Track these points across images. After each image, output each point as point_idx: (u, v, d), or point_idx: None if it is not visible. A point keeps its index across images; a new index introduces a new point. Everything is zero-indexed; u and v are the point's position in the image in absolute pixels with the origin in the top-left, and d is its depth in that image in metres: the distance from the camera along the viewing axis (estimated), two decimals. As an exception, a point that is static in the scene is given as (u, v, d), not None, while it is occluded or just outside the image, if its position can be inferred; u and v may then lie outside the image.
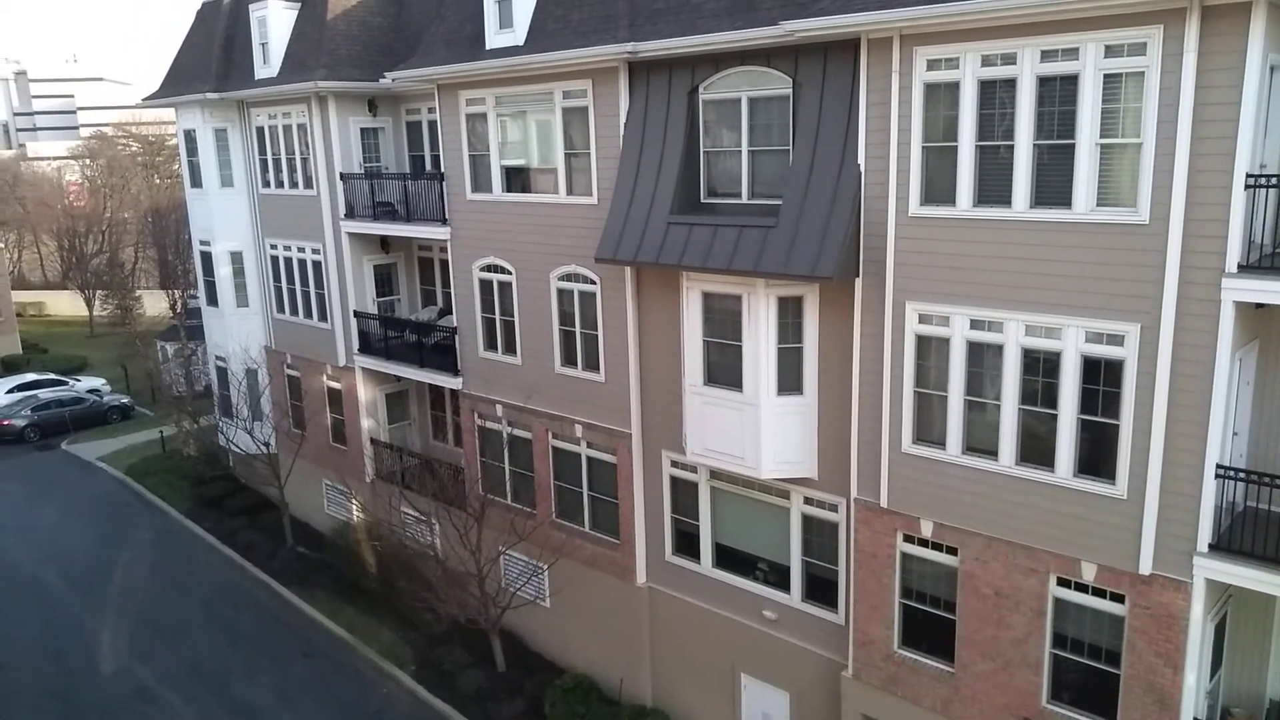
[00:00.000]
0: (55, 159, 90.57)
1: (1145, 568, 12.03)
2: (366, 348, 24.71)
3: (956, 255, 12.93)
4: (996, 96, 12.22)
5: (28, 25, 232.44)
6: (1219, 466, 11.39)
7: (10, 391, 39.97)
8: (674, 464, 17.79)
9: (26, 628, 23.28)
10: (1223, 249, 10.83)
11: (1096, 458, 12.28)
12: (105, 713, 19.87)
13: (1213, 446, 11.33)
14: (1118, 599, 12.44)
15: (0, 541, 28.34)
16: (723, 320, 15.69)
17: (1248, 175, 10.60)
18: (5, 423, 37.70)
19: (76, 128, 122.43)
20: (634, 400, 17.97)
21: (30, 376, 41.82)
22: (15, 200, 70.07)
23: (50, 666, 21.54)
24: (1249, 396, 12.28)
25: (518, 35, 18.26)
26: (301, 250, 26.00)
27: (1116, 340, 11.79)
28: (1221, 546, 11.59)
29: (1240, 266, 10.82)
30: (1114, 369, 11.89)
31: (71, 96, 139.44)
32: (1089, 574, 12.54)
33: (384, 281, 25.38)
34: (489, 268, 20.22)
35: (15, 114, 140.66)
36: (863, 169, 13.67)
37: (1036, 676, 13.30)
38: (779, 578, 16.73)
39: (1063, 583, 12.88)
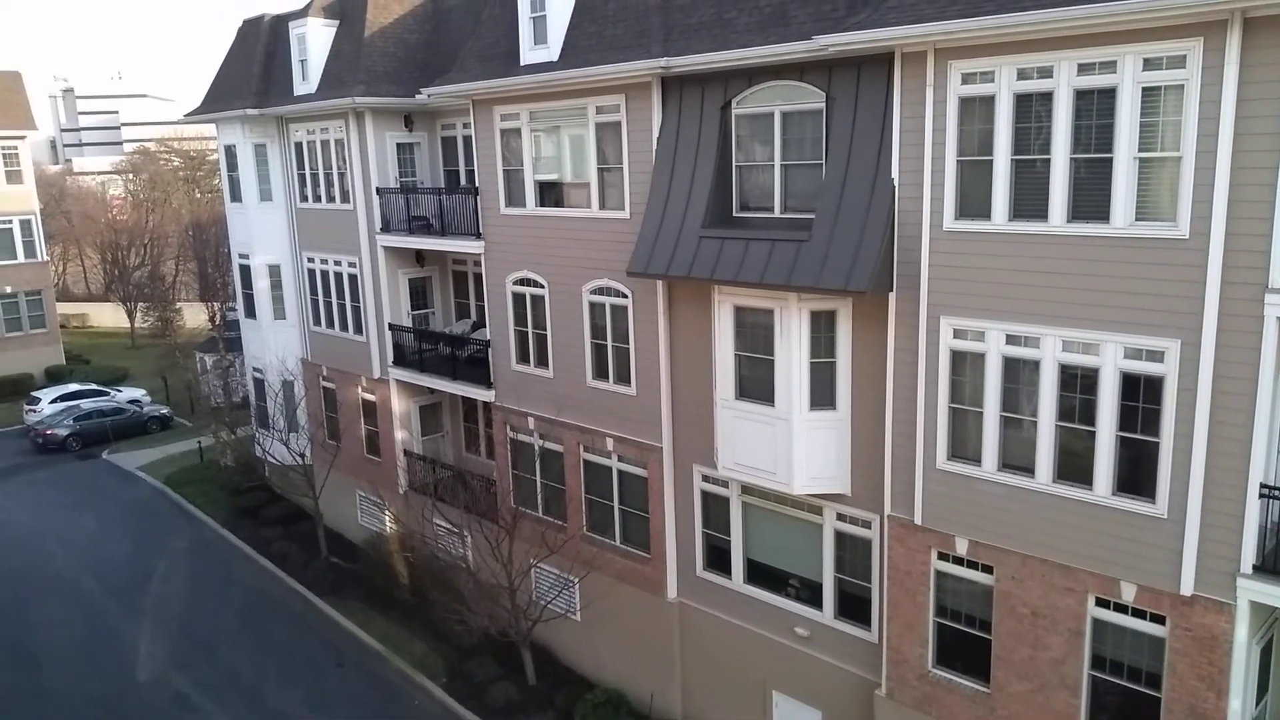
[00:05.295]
0: (100, 174, 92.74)
1: (1186, 588, 11.79)
2: (401, 360, 24.94)
3: (992, 270, 12.81)
4: (1033, 110, 12.11)
5: (75, 44, 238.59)
6: (1263, 486, 11.15)
7: (54, 401, 40.77)
8: (705, 478, 17.74)
9: (66, 632, 23.64)
10: (1265, 264, 10.64)
11: (1136, 476, 12.07)
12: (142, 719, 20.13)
13: (1256, 465, 11.09)
14: (1158, 620, 12.20)
15: (42, 548, 28.85)
16: (754, 334, 15.65)
17: (1292, 189, 10.43)
18: (48, 432, 38.41)
19: (120, 143, 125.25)
20: (665, 414, 17.96)
21: (73, 387, 42.56)
22: (61, 214, 71.63)
23: (89, 671, 21.85)
24: (1294, 414, 12.02)
25: (552, 51, 18.42)
26: (338, 264, 26.33)
27: (1156, 356, 11.60)
28: (1266, 568, 11.32)
29: (1284, 282, 10.63)
30: (1154, 386, 11.70)
31: (116, 113, 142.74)
32: (1129, 594, 12.31)
33: (418, 295, 25.64)
34: (522, 281, 20.35)
35: (62, 130, 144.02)
36: (896, 183, 13.60)
37: (1074, 699, 13.05)
38: (811, 594, 16.60)
39: (1101, 603, 12.65)
